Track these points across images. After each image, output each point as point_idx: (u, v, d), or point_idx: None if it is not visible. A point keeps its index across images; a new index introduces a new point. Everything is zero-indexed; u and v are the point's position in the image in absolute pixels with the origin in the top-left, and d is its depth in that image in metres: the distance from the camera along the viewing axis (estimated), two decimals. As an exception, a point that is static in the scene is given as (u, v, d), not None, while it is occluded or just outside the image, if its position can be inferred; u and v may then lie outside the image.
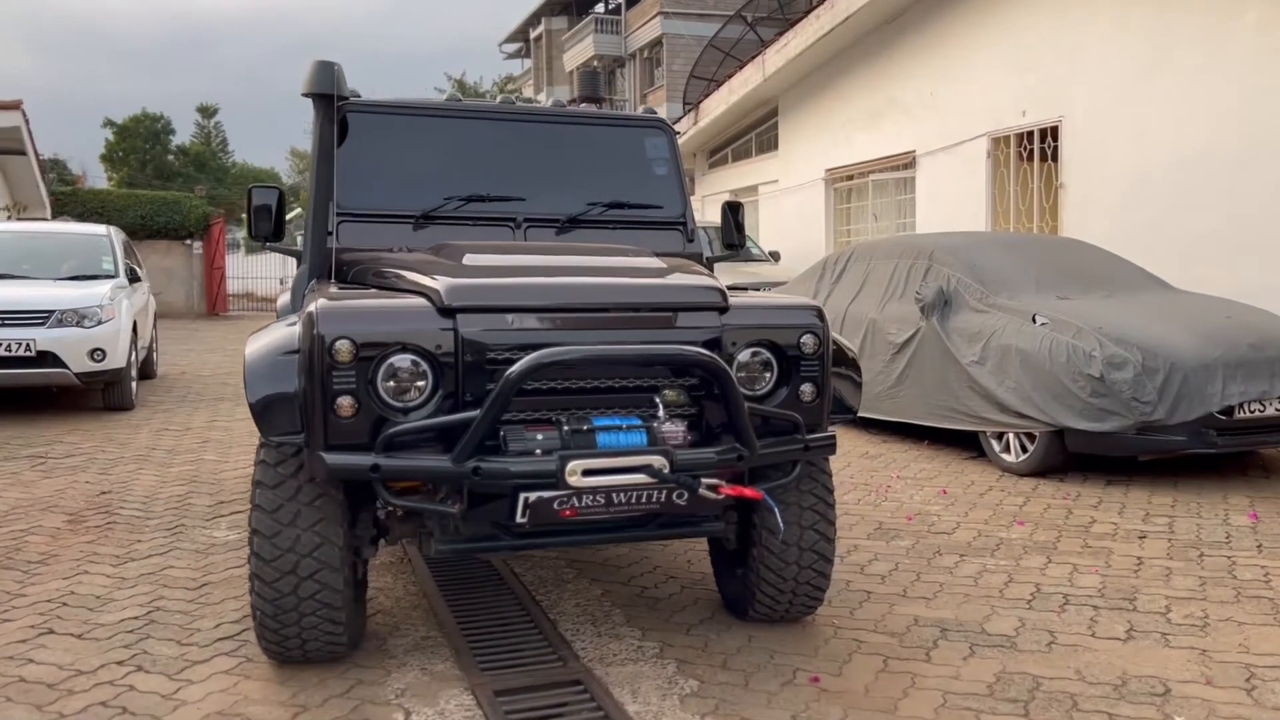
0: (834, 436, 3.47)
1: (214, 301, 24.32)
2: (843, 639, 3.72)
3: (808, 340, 3.42)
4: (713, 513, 3.40)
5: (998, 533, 5.10)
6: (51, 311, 8.58)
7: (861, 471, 6.56)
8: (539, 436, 3.04)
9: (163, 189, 34.91)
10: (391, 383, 3.09)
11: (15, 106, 16.37)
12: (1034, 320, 6.35)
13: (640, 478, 3.03)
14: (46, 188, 21.01)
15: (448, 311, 3.13)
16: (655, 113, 4.84)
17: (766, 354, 3.41)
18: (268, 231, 4.19)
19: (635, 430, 3.11)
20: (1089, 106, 10.82)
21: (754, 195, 18.41)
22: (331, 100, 4.09)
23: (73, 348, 8.54)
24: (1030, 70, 11.57)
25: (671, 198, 4.61)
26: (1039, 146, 11.63)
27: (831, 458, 3.67)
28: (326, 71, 4.07)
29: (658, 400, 3.19)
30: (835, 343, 3.70)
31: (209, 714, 3.12)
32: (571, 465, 2.97)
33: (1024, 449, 6.36)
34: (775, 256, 14.78)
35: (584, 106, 5.05)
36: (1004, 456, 6.50)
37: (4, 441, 7.63)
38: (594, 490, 3.04)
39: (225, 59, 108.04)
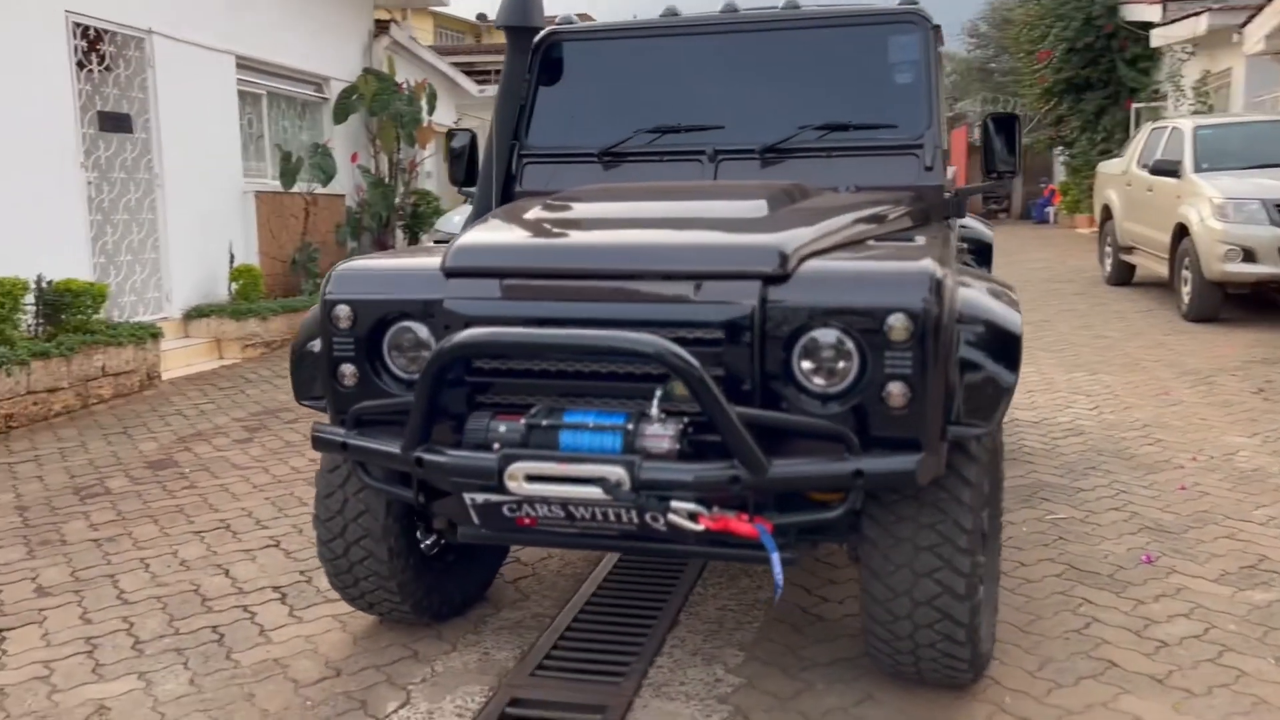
0: (915, 465, 2.44)
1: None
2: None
3: (896, 323, 2.45)
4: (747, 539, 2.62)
5: None
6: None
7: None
8: (501, 428, 2.57)
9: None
10: (398, 353, 2.84)
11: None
12: None
13: (594, 492, 2.43)
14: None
15: (450, 275, 2.77)
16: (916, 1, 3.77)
17: (840, 339, 2.51)
18: (461, 176, 4.08)
19: (609, 431, 2.49)
20: None
21: None
22: (525, 33, 3.82)
23: None
24: None
25: (912, 114, 3.60)
26: None
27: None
28: (521, 2, 3.79)
29: (657, 394, 2.51)
30: (982, 318, 2.62)
31: (271, 642, 3.23)
32: (513, 468, 2.48)
33: None
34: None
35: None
36: None
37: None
38: (544, 500, 2.51)
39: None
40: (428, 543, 3.31)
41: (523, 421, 2.55)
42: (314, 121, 11.53)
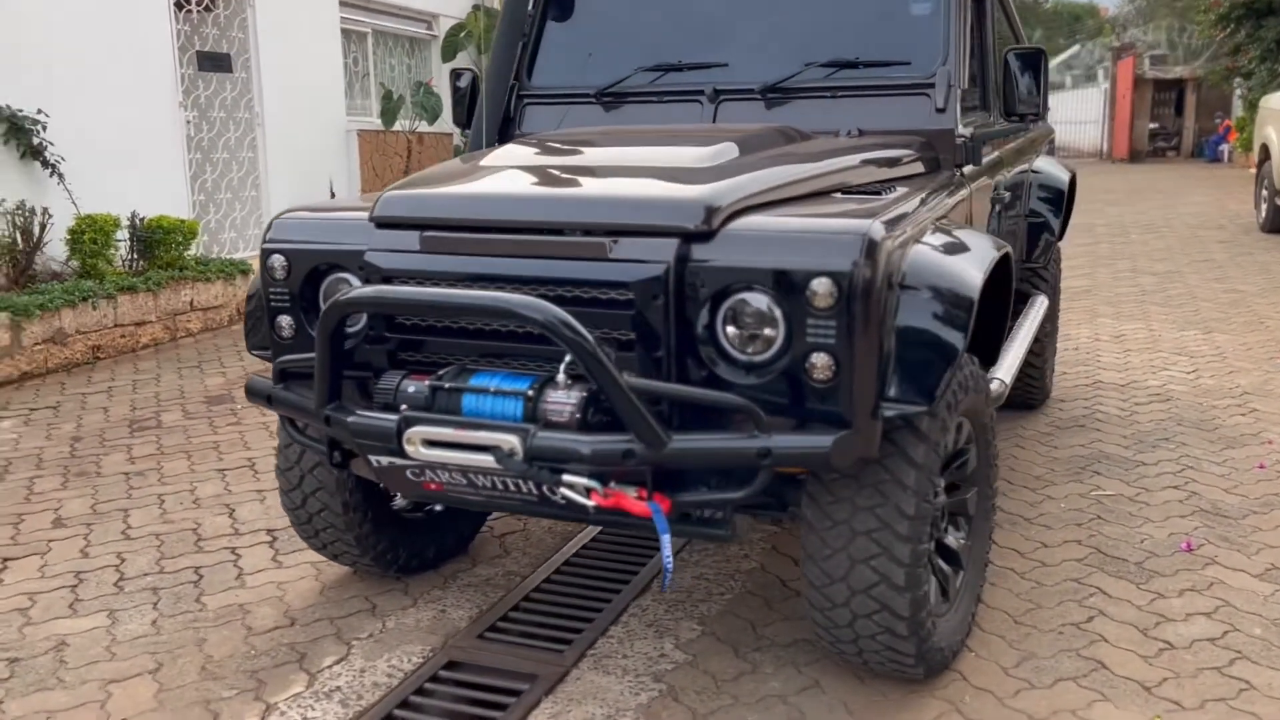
0: (828, 445, 2.20)
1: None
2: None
3: (819, 288, 2.21)
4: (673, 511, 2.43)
5: None
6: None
7: None
8: (410, 389, 2.46)
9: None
10: None
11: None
12: None
13: (488, 460, 2.30)
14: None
15: (379, 226, 2.66)
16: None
17: (767, 304, 2.29)
18: (465, 119, 3.94)
19: (511, 396, 2.35)
20: None
21: None
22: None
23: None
24: None
25: (926, 49, 3.26)
26: None
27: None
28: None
29: (566, 358, 2.35)
30: (929, 281, 2.35)
31: (244, 587, 3.26)
32: (411, 432, 2.37)
33: None
34: None
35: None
36: None
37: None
38: (444, 466, 2.40)
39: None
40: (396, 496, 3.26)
41: (427, 383, 2.44)
42: (422, 60, 11.58)
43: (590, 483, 2.27)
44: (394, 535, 3.25)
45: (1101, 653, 2.83)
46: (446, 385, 2.41)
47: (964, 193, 3.20)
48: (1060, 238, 5.30)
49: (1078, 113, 30.70)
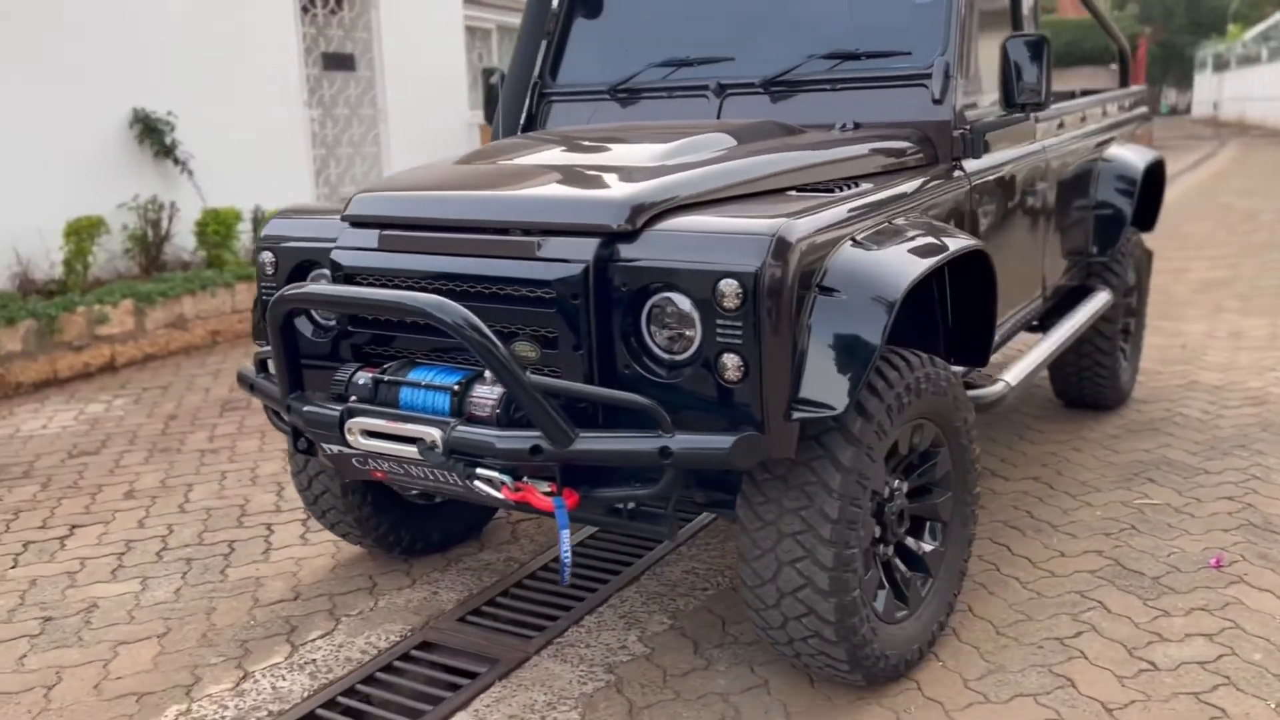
0: (728, 446, 2.20)
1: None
2: None
3: (727, 289, 2.21)
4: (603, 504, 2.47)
5: None
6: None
7: None
8: (360, 381, 2.58)
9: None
10: None
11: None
12: None
13: (413, 451, 2.41)
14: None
15: (353, 225, 2.80)
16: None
17: (685, 303, 2.30)
18: (492, 116, 4.04)
19: (440, 390, 2.44)
20: None
21: None
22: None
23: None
24: None
25: (928, 38, 3.16)
26: None
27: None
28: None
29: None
30: (850, 280, 2.30)
31: (268, 561, 3.49)
32: (351, 422, 2.50)
33: None
34: None
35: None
36: None
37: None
38: (382, 456, 2.51)
39: None
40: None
41: (371, 376, 2.55)
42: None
43: (501, 477, 2.34)
44: (396, 518, 3.39)
45: (1075, 670, 2.70)
46: (387, 378, 2.53)
47: (958, 188, 3.08)
48: (1148, 228, 5.01)
49: (1275, 87, 28.37)
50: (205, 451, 4.78)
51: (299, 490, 3.37)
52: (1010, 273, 3.55)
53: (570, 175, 2.70)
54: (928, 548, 2.78)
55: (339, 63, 8.97)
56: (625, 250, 2.36)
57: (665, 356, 2.35)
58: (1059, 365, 4.69)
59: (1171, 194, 13.65)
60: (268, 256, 2.96)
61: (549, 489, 2.35)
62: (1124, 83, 5.54)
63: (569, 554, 2.33)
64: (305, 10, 8.53)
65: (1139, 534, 3.51)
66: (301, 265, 2.91)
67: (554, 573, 3.39)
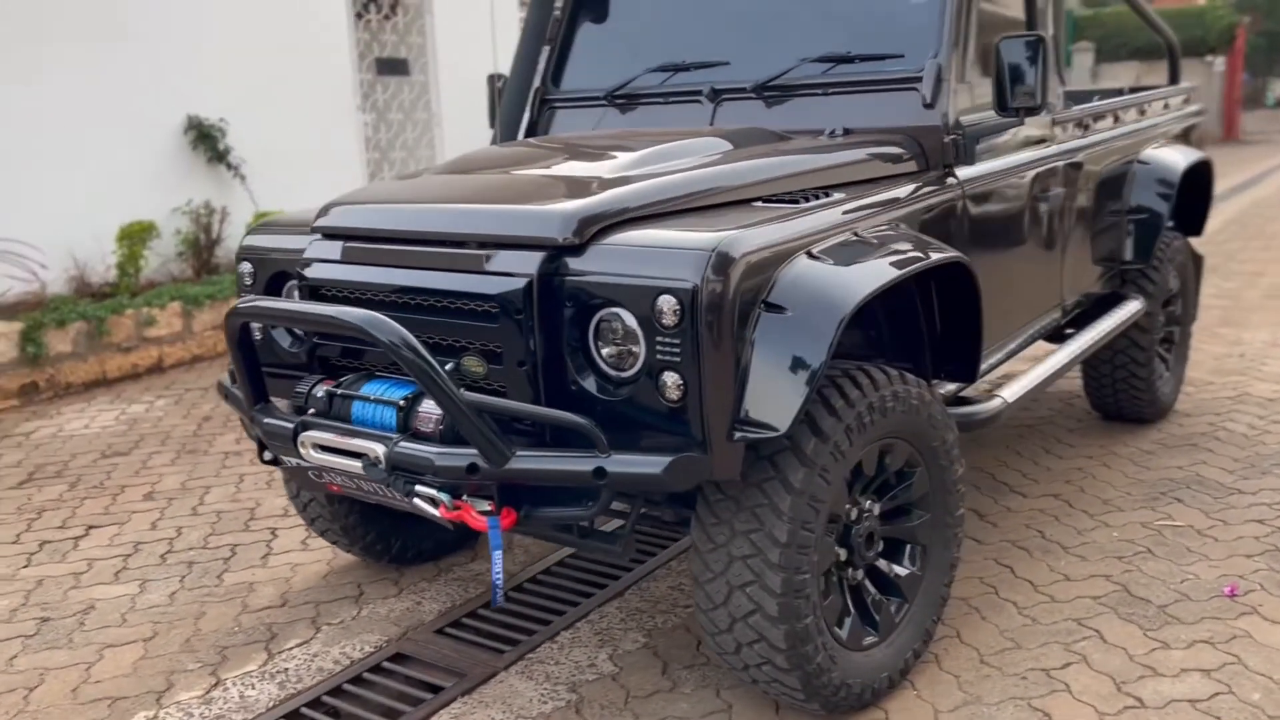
0: (661, 467, 2.13)
1: (1230, 125, 22.20)
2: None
3: (664, 305, 2.15)
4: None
5: None
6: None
7: None
8: (319, 393, 2.58)
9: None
10: None
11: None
12: None
13: (357, 466, 2.39)
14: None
15: (325, 236, 2.80)
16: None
17: (630, 318, 2.24)
18: (493, 122, 4.02)
19: (388, 405, 2.42)
20: None
21: None
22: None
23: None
24: None
25: (918, 41, 3.04)
26: None
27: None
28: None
29: (446, 367, 2.38)
30: (796, 297, 2.22)
31: (265, 567, 3.52)
32: (303, 436, 2.49)
33: None
34: None
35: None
36: None
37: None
38: (333, 470, 2.50)
39: None
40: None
41: (327, 389, 2.55)
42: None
43: (439, 495, 2.31)
44: (384, 527, 3.39)
45: (1055, 704, 2.57)
46: (339, 392, 2.52)
47: (949, 195, 2.96)
48: (1195, 232, 4.78)
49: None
50: (230, 454, 4.87)
51: (289, 497, 3.40)
52: (1015, 285, 3.41)
53: (533, 186, 2.66)
54: (902, 572, 2.67)
55: (393, 68, 9.08)
56: (572, 264, 2.31)
57: (612, 374, 2.30)
58: (1093, 376, 4.50)
59: (1264, 191, 13.06)
60: (246, 267, 2.98)
61: (489, 508, 2.31)
62: (1173, 80, 5.28)
63: (500, 575, 2.29)
64: (359, 16, 8.65)
65: (1153, 558, 3.33)
66: (277, 276, 2.93)
67: (540, 584, 3.36)
